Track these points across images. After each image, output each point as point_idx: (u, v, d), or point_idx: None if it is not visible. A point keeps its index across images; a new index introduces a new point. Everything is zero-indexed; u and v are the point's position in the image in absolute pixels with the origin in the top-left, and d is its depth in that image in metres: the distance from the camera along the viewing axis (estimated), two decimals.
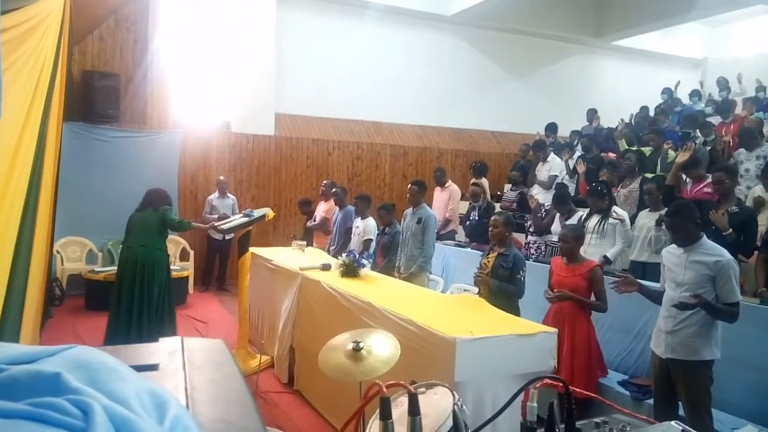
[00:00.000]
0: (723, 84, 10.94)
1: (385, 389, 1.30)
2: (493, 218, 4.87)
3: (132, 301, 5.21)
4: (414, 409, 1.30)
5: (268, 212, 5.94)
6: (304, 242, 6.87)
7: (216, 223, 6.18)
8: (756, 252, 4.83)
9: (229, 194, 8.99)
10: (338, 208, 7.70)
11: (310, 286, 4.89)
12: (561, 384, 1.31)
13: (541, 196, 7.76)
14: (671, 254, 3.60)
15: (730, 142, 7.72)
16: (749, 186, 6.22)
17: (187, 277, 8.31)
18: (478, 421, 1.47)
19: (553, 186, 7.86)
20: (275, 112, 10.11)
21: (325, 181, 8.71)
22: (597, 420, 1.37)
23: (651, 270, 5.04)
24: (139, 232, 5.42)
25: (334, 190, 7.95)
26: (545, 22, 11.95)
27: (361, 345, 2.45)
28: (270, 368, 5.42)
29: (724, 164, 6.31)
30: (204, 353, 0.87)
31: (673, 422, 1.32)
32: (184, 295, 8.05)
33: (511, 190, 8.42)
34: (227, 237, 8.45)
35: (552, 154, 8.65)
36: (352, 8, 10.61)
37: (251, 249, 5.94)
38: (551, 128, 10.47)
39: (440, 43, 11.59)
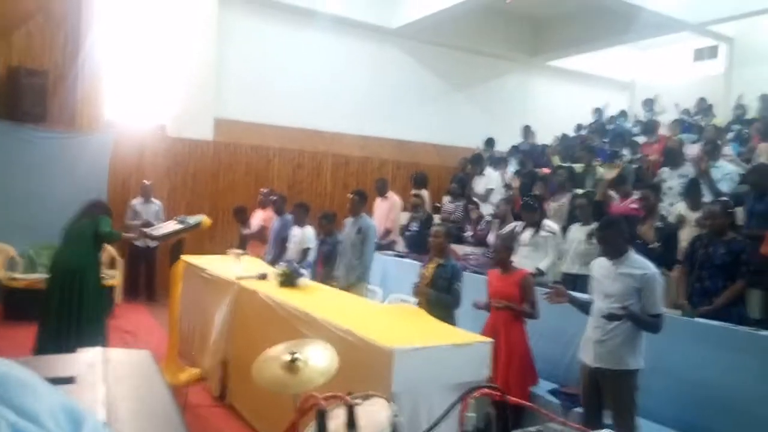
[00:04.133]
0: (648, 105, 11.58)
1: (322, 401, 1.27)
2: (434, 229, 4.95)
3: (61, 309, 4.97)
4: (352, 422, 1.28)
5: (204, 219, 5.76)
6: (241, 251, 6.72)
7: (147, 230, 5.93)
8: (678, 265, 5.10)
9: (154, 199, 8.65)
10: (277, 216, 7.58)
11: (245, 296, 4.77)
12: (498, 393, 1.31)
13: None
14: (600, 266, 3.73)
15: (654, 160, 8.12)
16: (672, 203, 6.54)
17: (113, 287, 7.94)
18: (414, 431, 1.46)
19: (489, 198, 8.06)
20: (214, 117, 9.88)
21: (263, 189, 8.57)
22: (532, 429, 1.38)
23: (582, 281, 5.21)
24: (72, 239, 5.22)
25: (272, 197, 7.82)
26: (485, 40, 12.28)
27: (297, 356, 2.39)
28: (201, 381, 5.24)
29: (649, 182, 6.65)
30: (127, 365, 0.82)
31: (605, 430, 1.35)
32: (111, 306, 7.68)
33: (449, 202, 8.55)
34: (152, 245, 8.12)
35: (488, 168, 8.86)
36: (296, 16, 10.52)
37: (183, 257, 5.75)
38: (489, 143, 10.77)
39: (384, 55, 11.67)
